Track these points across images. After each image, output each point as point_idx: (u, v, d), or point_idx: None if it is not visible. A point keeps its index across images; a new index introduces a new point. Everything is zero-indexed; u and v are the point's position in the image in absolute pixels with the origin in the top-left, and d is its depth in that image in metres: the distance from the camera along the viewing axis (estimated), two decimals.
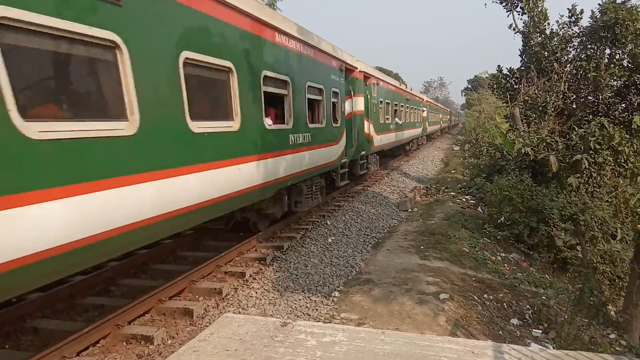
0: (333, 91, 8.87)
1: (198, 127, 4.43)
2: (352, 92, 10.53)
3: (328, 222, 8.44)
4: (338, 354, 2.89)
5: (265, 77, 5.88)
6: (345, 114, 9.99)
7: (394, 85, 17.23)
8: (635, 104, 10.98)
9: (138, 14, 3.69)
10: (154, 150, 3.90)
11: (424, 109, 26.64)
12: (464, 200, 11.78)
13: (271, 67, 6.06)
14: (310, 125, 7.64)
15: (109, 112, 3.55)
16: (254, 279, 5.58)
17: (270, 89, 6.13)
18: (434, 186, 13.66)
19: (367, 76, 11.80)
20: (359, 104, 11.08)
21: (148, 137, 3.78)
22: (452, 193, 12.51)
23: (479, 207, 11.09)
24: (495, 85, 13.91)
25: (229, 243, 6.69)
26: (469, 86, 68.61)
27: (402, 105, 18.25)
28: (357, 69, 10.74)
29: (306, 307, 4.89)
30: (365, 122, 11.77)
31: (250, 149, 5.57)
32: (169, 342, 4.03)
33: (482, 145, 17.84)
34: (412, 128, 21.34)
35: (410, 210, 10.58)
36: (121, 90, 3.53)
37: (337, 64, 9.18)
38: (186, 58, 4.26)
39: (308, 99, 7.46)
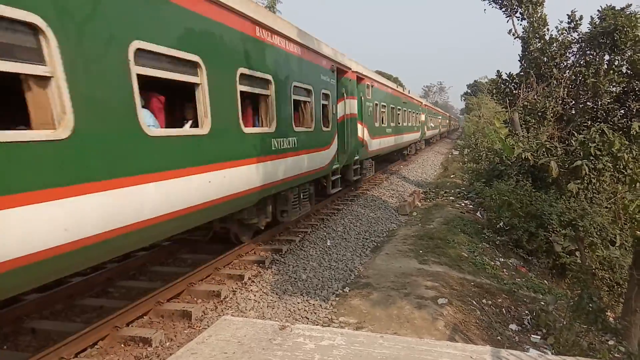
0: (425, 115, 24.50)
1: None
2: (422, 113, 23.42)
3: (327, 225, 8.45)
4: (336, 357, 2.88)
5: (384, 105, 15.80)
6: (420, 122, 23.09)
7: (432, 107, 33.89)
8: (634, 110, 11.03)
9: None
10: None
11: (440, 117, 41.74)
12: (463, 204, 11.77)
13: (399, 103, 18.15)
14: (407, 124, 19.45)
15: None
16: (253, 281, 5.57)
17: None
18: (433, 190, 13.67)
19: (426, 105, 27.14)
20: (422, 117, 24.44)
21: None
22: (451, 197, 12.51)
23: (478, 212, 11.08)
24: (494, 90, 14.00)
25: (228, 246, 6.68)
26: (469, 91, 68.76)
27: (432, 117, 32.62)
28: (422, 102, 24.58)
29: (305, 310, 4.89)
30: (424, 126, 25.59)
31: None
32: (167, 344, 4.02)
33: (481, 150, 17.93)
34: (435, 130, 37.50)
35: (409, 214, 10.59)
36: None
37: (420, 102, 23.34)
38: None
39: (409, 111, 20.01)
